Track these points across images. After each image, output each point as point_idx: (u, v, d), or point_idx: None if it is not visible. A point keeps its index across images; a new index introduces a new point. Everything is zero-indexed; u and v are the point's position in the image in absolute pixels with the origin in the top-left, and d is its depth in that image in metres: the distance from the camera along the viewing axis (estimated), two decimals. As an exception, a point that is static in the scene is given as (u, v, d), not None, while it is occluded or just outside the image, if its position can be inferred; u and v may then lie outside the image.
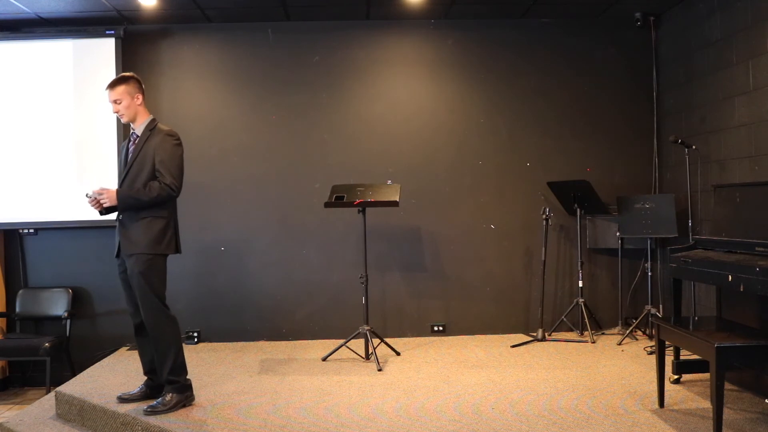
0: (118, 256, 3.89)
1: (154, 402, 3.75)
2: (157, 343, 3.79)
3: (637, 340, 5.34)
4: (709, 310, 4.99)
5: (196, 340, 5.59)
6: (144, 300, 3.76)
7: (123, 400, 3.90)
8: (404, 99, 5.89)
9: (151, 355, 3.90)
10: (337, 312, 5.75)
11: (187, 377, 3.88)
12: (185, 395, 3.82)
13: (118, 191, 3.76)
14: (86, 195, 3.83)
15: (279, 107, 5.83)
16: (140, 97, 3.87)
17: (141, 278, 3.74)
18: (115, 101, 3.83)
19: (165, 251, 3.82)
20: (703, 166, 5.16)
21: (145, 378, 3.99)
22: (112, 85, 3.84)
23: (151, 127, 3.88)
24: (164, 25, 5.78)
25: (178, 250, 3.92)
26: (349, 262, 5.73)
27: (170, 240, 3.85)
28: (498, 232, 5.88)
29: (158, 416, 3.63)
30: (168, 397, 3.75)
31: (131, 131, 3.94)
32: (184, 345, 5.45)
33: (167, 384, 3.79)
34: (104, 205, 3.77)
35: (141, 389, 3.96)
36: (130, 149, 3.90)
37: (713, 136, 5.07)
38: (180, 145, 3.88)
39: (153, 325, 3.78)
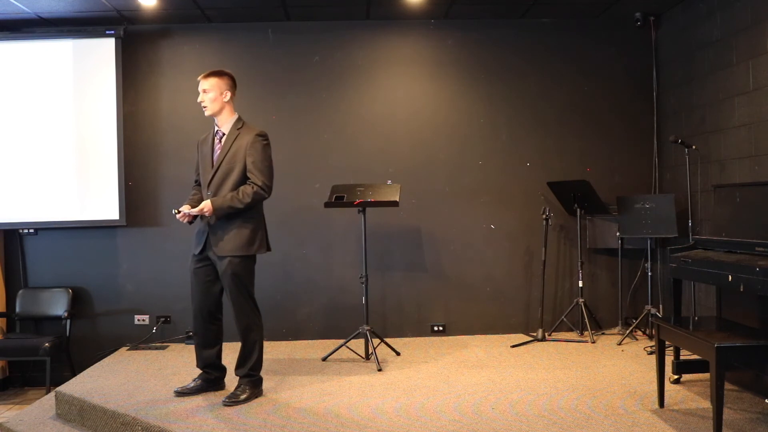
0: (201, 252, 3.93)
1: (230, 393, 3.90)
2: (245, 342, 3.94)
3: (637, 340, 5.34)
4: (709, 310, 4.99)
5: (196, 340, 5.59)
6: (237, 301, 3.89)
7: (180, 393, 4.01)
8: (404, 99, 5.89)
9: (213, 351, 4.05)
10: (337, 312, 5.75)
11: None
12: (259, 389, 4.00)
13: (213, 201, 3.80)
14: (175, 212, 3.88)
15: (279, 107, 5.83)
16: (228, 95, 3.91)
17: (235, 280, 3.86)
18: (204, 90, 3.88)
19: (257, 252, 3.94)
20: (703, 166, 5.16)
21: (200, 372, 4.09)
22: (206, 75, 3.90)
23: (238, 126, 3.94)
24: (164, 25, 5.78)
25: (268, 249, 4.04)
26: (349, 262, 5.73)
27: (261, 241, 3.96)
28: (498, 232, 5.88)
29: (234, 407, 3.78)
30: (242, 388, 3.91)
31: (215, 129, 3.98)
32: (184, 345, 5.52)
33: (244, 377, 3.95)
34: (207, 216, 3.83)
35: (196, 382, 4.08)
36: (216, 147, 3.95)
37: (713, 136, 5.07)
38: (269, 144, 3.96)
39: (244, 326, 3.93)
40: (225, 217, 3.84)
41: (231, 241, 3.84)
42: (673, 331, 3.61)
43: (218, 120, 3.96)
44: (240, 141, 3.88)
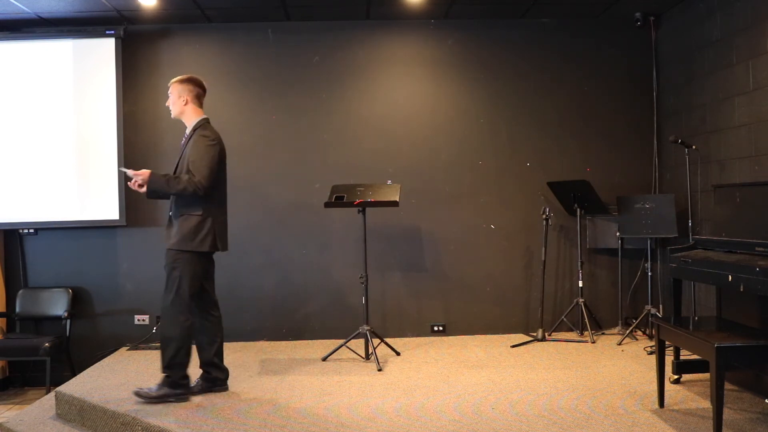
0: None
1: (147, 388, 3.91)
2: (162, 334, 3.94)
3: (637, 340, 5.34)
4: (709, 310, 4.99)
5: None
6: (165, 292, 3.92)
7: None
8: (404, 99, 5.89)
9: (210, 348, 4.07)
10: (337, 312, 5.75)
11: (185, 378, 3.95)
12: (176, 392, 3.91)
13: (151, 173, 3.90)
14: (120, 169, 4.10)
15: (279, 107, 5.83)
16: (187, 99, 4.07)
17: (167, 271, 3.93)
18: (169, 94, 4.10)
19: (197, 249, 3.93)
20: (703, 166, 5.16)
21: (201, 372, 4.11)
22: (171, 82, 4.11)
23: (196, 128, 4.05)
24: (164, 25, 5.78)
25: (215, 248, 4.01)
26: (349, 262, 5.73)
27: (204, 238, 3.95)
28: (498, 232, 5.88)
29: (146, 404, 3.80)
30: (158, 387, 3.89)
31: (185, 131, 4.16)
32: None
33: (163, 373, 3.92)
34: (138, 185, 3.91)
35: (197, 382, 4.07)
36: (182, 148, 4.10)
37: (713, 136, 5.07)
38: (213, 145, 3.99)
39: (163, 317, 3.95)
40: (176, 210, 3.95)
41: (174, 235, 3.94)
42: (673, 331, 3.61)
43: (184, 122, 4.12)
44: (191, 141, 4.02)
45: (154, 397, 3.85)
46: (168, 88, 4.11)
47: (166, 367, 3.89)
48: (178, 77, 4.12)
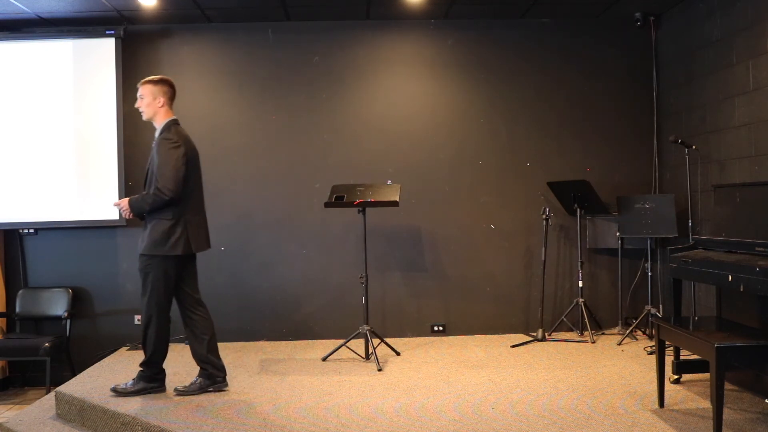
0: None
1: (123, 384, 4.05)
2: (142, 333, 4.04)
3: (637, 340, 5.34)
4: (709, 310, 4.99)
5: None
6: (142, 298, 4.02)
7: (180, 393, 4.05)
8: (404, 99, 5.89)
9: (201, 345, 4.08)
10: (337, 312, 5.75)
11: (160, 372, 4.11)
12: (152, 385, 4.06)
13: (129, 200, 3.98)
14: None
15: (279, 107, 5.83)
16: (162, 100, 4.01)
17: (143, 277, 3.99)
18: (140, 96, 4.03)
19: (169, 252, 3.93)
20: (703, 166, 5.16)
21: (199, 369, 4.13)
22: (143, 83, 4.03)
23: (162, 130, 4.01)
24: (164, 25, 5.78)
25: (189, 251, 4.00)
26: (349, 262, 5.73)
27: (177, 242, 3.94)
28: (498, 232, 5.88)
29: (123, 397, 3.96)
30: (135, 382, 4.04)
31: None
32: (184, 345, 5.49)
33: (139, 368, 4.07)
34: (125, 215, 4.02)
35: (196, 381, 4.10)
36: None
37: (713, 136, 5.07)
38: (177, 147, 3.91)
39: (142, 320, 4.04)
40: (147, 215, 3.98)
41: (145, 240, 3.96)
42: (673, 331, 3.61)
43: (155, 124, 4.05)
44: (155, 145, 3.99)
45: (131, 392, 4.00)
46: (137, 90, 4.04)
47: (145, 363, 4.03)
48: (150, 78, 4.06)
